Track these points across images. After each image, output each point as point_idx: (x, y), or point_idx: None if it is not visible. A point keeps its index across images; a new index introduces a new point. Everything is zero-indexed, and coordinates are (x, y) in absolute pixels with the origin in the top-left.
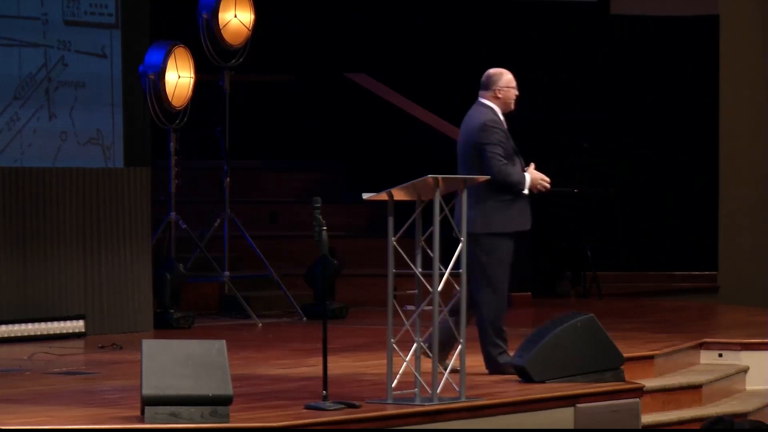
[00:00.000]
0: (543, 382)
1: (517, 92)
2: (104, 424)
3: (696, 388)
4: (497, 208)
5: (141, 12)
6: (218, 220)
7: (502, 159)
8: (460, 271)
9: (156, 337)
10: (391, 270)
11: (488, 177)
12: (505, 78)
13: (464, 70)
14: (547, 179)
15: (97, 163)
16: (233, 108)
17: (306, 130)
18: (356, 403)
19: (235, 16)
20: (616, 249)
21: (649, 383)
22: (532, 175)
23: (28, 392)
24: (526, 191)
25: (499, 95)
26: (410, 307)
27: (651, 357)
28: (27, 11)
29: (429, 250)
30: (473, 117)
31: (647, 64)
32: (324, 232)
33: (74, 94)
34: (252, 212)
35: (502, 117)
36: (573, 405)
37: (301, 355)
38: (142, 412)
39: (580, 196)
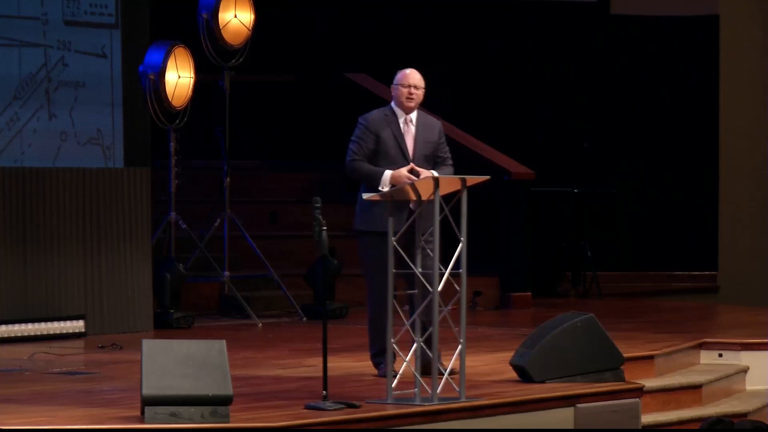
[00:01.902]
0: (543, 382)
1: (407, 90)
2: (104, 424)
3: (696, 388)
4: (361, 206)
5: (141, 12)
6: (218, 220)
7: (355, 155)
8: (461, 271)
9: (156, 337)
10: (391, 270)
11: (487, 177)
12: (397, 76)
13: (464, 70)
14: (414, 177)
15: (97, 163)
16: (233, 108)
17: (306, 130)
18: (356, 403)
19: (235, 16)
20: (616, 249)
21: (649, 383)
22: (394, 173)
23: (28, 392)
24: (384, 189)
25: (392, 92)
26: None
27: (651, 357)
28: (27, 11)
29: (429, 250)
30: None
31: (647, 64)
32: (324, 232)
33: (74, 94)
34: (252, 212)
35: (397, 115)
36: (573, 405)
37: (301, 355)
38: (142, 412)
39: (580, 196)
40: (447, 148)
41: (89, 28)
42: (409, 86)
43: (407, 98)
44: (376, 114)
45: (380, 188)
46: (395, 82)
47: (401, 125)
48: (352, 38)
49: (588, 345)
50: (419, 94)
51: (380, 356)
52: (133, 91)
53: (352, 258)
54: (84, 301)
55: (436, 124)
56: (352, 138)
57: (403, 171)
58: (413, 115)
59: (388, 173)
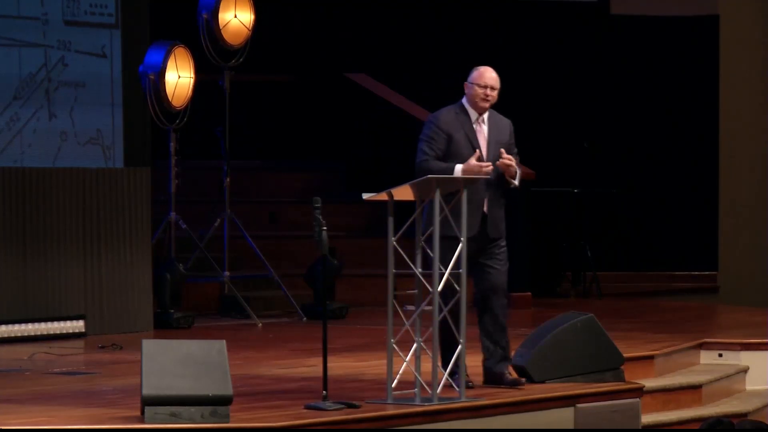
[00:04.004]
0: (543, 382)
1: (484, 91)
2: (104, 424)
3: (696, 388)
4: (431, 210)
5: (141, 12)
6: (218, 220)
7: (425, 155)
8: (461, 271)
9: (156, 337)
10: (391, 270)
11: (488, 176)
12: (473, 74)
13: (464, 70)
14: (485, 164)
15: (97, 163)
16: (233, 108)
17: (306, 130)
18: (356, 403)
19: (235, 16)
20: (616, 249)
21: (649, 383)
22: (464, 166)
23: (28, 392)
24: None
25: (465, 90)
26: (410, 307)
27: (651, 357)
28: (27, 11)
29: (429, 250)
30: None
31: (647, 64)
32: (324, 232)
33: (74, 94)
34: (252, 212)
35: (469, 114)
36: (573, 405)
37: (301, 355)
38: (142, 412)
39: (580, 196)
40: (516, 150)
41: (89, 28)
42: (486, 87)
43: (483, 99)
44: (446, 113)
45: None
46: (470, 80)
47: (473, 125)
48: (352, 38)
49: (588, 345)
50: (494, 95)
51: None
52: (133, 91)
53: (352, 258)
54: (84, 301)
55: (506, 123)
56: (421, 138)
57: (472, 161)
58: (485, 115)
59: (458, 167)
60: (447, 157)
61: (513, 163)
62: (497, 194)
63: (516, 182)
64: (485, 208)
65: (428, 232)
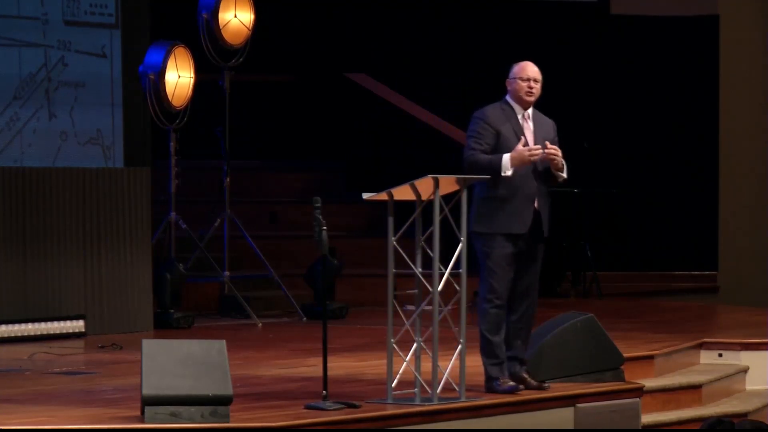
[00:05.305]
0: (543, 381)
1: (527, 84)
2: (104, 424)
3: (696, 388)
4: (484, 207)
5: (141, 12)
6: (218, 220)
7: (473, 149)
8: (461, 271)
9: (156, 337)
10: (391, 270)
11: (488, 177)
12: (514, 69)
13: (464, 70)
14: (535, 147)
15: (97, 163)
16: (233, 108)
17: (306, 130)
18: (356, 403)
19: (235, 16)
20: (616, 249)
21: (649, 383)
22: (512, 153)
23: (28, 392)
24: (508, 173)
25: (508, 86)
26: (410, 307)
27: (651, 357)
28: (27, 11)
29: (429, 250)
30: None
31: (647, 64)
32: (324, 232)
33: (74, 94)
34: (252, 212)
35: (515, 110)
36: (573, 405)
37: (301, 355)
38: (142, 412)
39: (580, 196)
40: (560, 150)
41: (89, 28)
42: (529, 79)
43: (527, 92)
44: (492, 109)
45: (503, 173)
46: (512, 75)
47: (520, 120)
48: (352, 38)
49: (588, 345)
50: (538, 87)
51: (498, 366)
52: (133, 91)
53: (352, 258)
54: (84, 301)
55: (550, 122)
56: (469, 134)
57: (519, 147)
58: (530, 111)
59: (506, 156)
60: (495, 152)
61: (559, 153)
62: (544, 191)
63: (564, 175)
64: (536, 205)
65: (426, 231)
